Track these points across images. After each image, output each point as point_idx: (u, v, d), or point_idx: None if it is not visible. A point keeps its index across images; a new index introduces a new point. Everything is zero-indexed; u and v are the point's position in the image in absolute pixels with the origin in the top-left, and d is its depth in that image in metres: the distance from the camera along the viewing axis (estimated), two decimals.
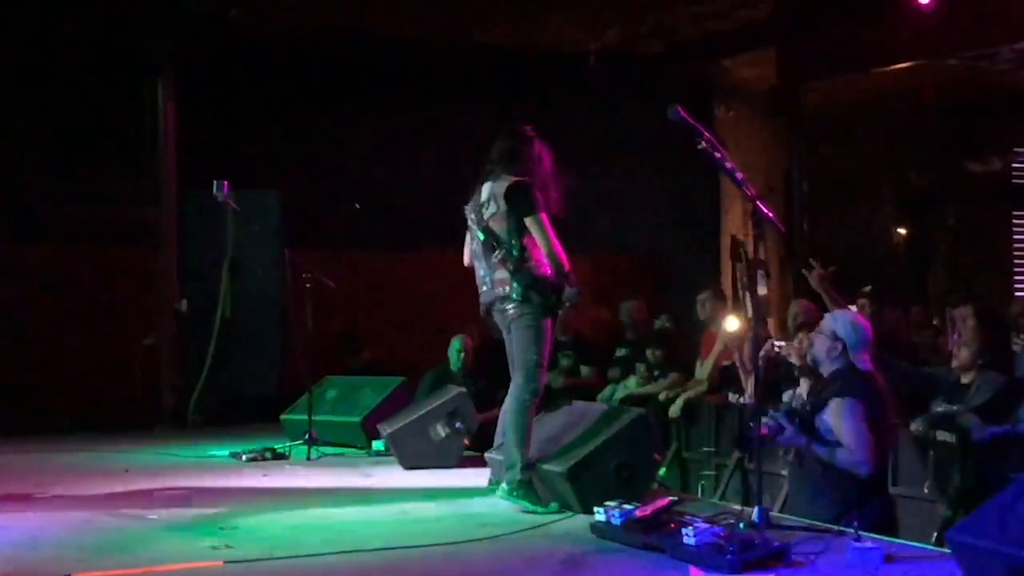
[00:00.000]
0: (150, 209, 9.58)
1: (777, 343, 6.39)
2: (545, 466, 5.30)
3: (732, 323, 7.17)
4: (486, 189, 5.38)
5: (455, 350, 8.57)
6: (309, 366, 7.51)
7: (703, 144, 4.60)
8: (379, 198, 10.18)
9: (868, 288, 7.76)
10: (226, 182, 7.43)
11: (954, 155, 13.63)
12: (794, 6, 10.96)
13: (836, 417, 5.03)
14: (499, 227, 5.28)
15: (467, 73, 10.80)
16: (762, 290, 12.72)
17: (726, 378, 7.92)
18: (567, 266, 5.29)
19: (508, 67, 11.14)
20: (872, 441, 4.94)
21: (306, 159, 10.15)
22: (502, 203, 5.27)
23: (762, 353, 6.14)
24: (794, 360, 5.73)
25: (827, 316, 5.45)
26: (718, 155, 4.60)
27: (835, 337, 5.23)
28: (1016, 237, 14.63)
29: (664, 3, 10.79)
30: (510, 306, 5.27)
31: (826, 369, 5.25)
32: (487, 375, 7.97)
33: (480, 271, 5.46)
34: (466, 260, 5.68)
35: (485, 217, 5.32)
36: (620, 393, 8.72)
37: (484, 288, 5.44)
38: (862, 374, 5.15)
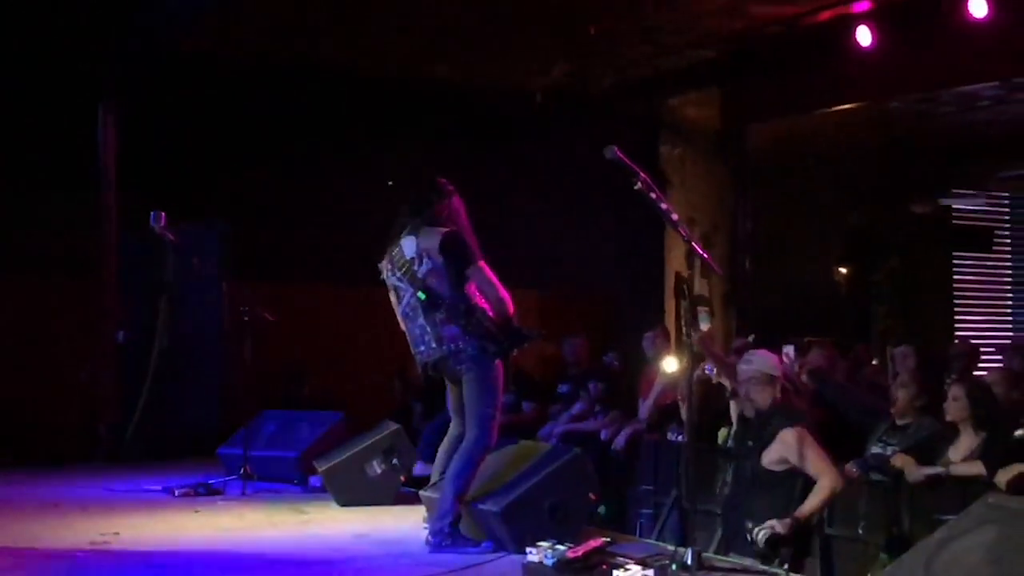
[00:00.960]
0: (89, 239, 9.44)
1: (708, 367, 6.43)
2: (480, 505, 5.26)
3: (670, 364, 7.19)
4: (409, 245, 5.28)
5: None
6: (246, 400, 7.43)
7: (639, 184, 4.61)
8: (324, 232, 10.11)
9: (751, 338, 7.86)
10: (163, 213, 7.35)
11: (897, 196, 13.82)
12: (738, 48, 11.08)
13: (794, 446, 5.08)
14: (438, 282, 5.22)
15: (415, 109, 10.80)
16: (705, 326, 12.83)
17: (666, 416, 7.93)
18: (511, 309, 5.27)
19: (456, 103, 11.16)
20: None
21: (251, 192, 10.07)
22: (437, 258, 5.22)
23: (695, 376, 6.19)
24: (726, 383, 5.77)
25: (745, 358, 5.53)
26: (653, 195, 4.62)
27: (771, 377, 5.33)
28: (956, 278, 14.86)
29: (611, 41, 10.86)
30: (464, 360, 5.22)
31: (760, 405, 5.32)
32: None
33: (415, 330, 5.32)
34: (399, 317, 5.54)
35: (420, 275, 5.25)
36: (560, 427, 8.66)
37: (423, 348, 5.31)
38: (795, 403, 5.25)
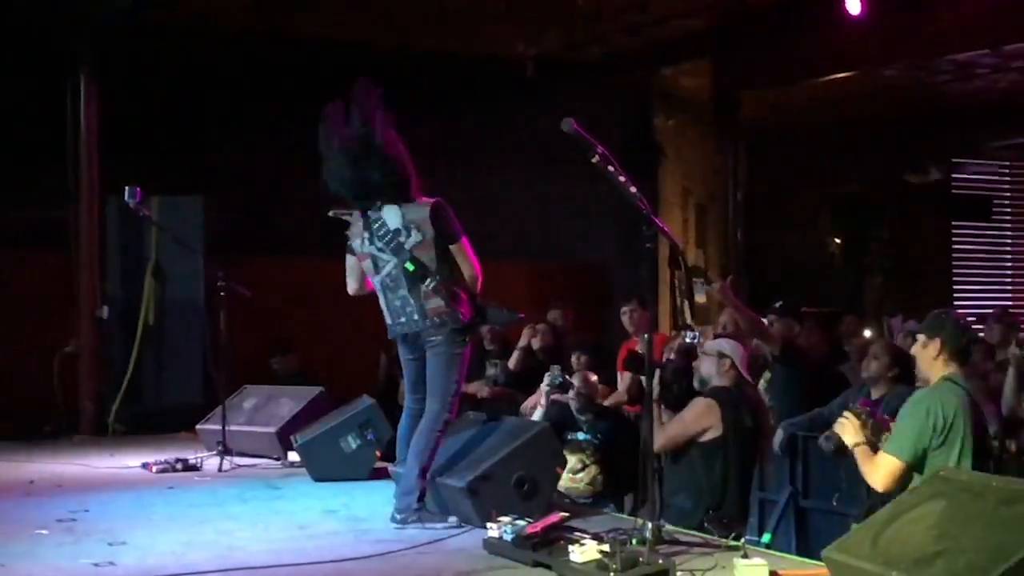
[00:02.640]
0: (71, 212, 9.42)
1: (691, 334, 6.48)
2: (445, 480, 5.24)
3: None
4: (393, 215, 5.23)
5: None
6: (225, 375, 7.42)
7: (596, 158, 4.55)
8: (308, 204, 10.05)
9: (778, 304, 7.78)
10: (138, 188, 7.32)
11: (892, 166, 13.74)
12: (730, 17, 10.99)
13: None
14: (426, 255, 5.20)
15: (399, 79, 10.69)
16: (700, 298, 12.81)
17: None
18: (480, 287, 5.29)
19: (443, 74, 11.10)
20: None
21: (233, 164, 10.04)
22: (429, 230, 5.19)
23: (676, 345, 6.30)
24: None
25: (709, 341, 5.89)
26: (611, 168, 4.56)
27: (722, 355, 5.59)
28: (956, 248, 14.80)
29: (601, 12, 10.79)
30: (442, 333, 5.20)
31: (703, 375, 5.69)
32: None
33: (396, 301, 5.28)
34: (352, 289, 5.53)
35: (408, 246, 5.22)
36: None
37: (404, 319, 5.28)
38: (749, 387, 5.35)
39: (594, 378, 7.07)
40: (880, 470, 4.45)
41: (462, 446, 5.48)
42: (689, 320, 12.17)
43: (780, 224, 13.09)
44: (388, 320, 5.39)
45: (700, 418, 5.63)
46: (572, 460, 6.56)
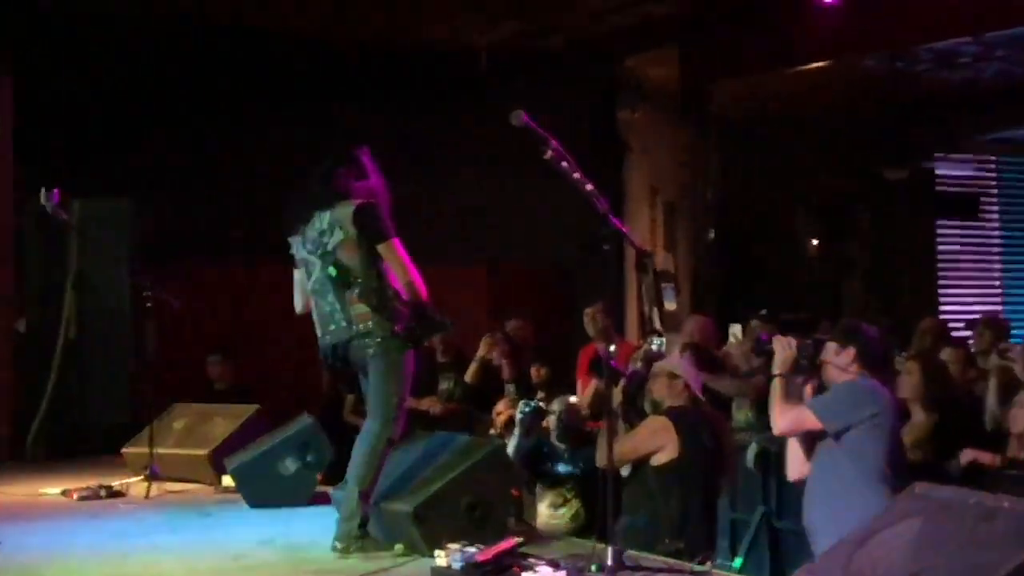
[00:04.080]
0: None
1: (656, 342, 6.52)
2: (390, 505, 5.21)
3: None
4: (323, 219, 5.26)
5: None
6: (154, 393, 7.36)
7: (549, 153, 4.56)
8: (244, 206, 10.04)
9: (763, 312, 7.84)
10: (56, 190, 7.24)
11: (871, 161, 13.84)
12: (700, 2, 11.04)
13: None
14: (351, 257, 5.18)
15: (343, 72, 10.70)
16: (670, 305, 12.86)
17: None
18: (425, 294, 5.24)
19: (390, 65, 11.07)
20: None
21: (165, 163, 9.97)
22: (351, 228, 5.19)
23: (641, 354, 6.34)
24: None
25: (658, 362, 5.96)
26: (565, 164, 4.57)
27: (673, 376, 5.73)
28: (941, 248, 14.90)
29: None
30: (372, 343, 5.17)
31: (655, 397, 5.78)
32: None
33: (325, 307, 5.27)
34: (299, 307, 5.50)
35: (331, 247, 5.22)
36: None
37: (333, 327, 5.26)
38: (705, 407, 5.56)
39: (575, 400, 7.08)
40: (792, 418, 4.94)
41: (408, 467, 5.45)
42: (658, 327, 12.21)
43: (754, 224, 13.15)
44: (318, 332, 5.38)
45: (654, 436, 5.66)
46: (551, 496, 6.56)
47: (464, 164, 11.97)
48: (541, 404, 6.96)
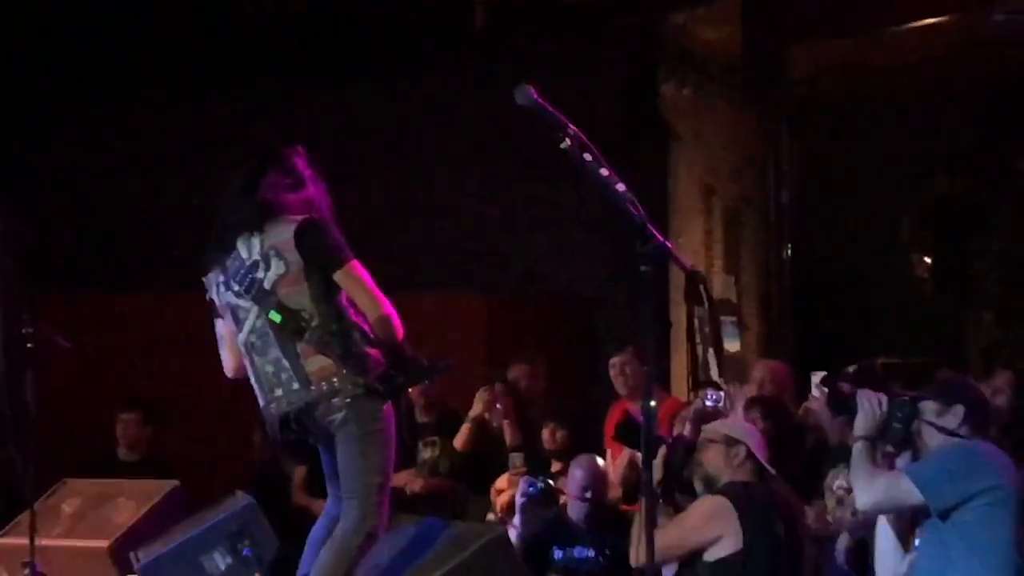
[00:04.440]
0: None
1: (712, 395, 6.55)
2: None
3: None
4: (251, 246, 5.26)
5: None
6: (34, 463, 7.36)
7: (567, 142, 4.58)
8: (149, 223, 10.12)
9: (853, 369, 7.87)
10: None
11: (1003, 152, 13.87)
12: None
13: None
14: (298, 295, 5.19)
15: (299, 39, 10.77)
16: (732, 345, 12.89)
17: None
18: (399, 329, 5.26)
19: (361, 32, 11.15)
20: None
21: (51, 166, 10.08)
22: (294, 256, 5.21)
23: (691, 413, 6.38)
24: None
25: (714, 423, 6.01)
26: (588, 157, 4.58)
27: (731, 441, 5.72)
28: None
29: None
30: (340, 406, 5.18)
31: (710, 472, 5.73)
32: None
33: (267, 367, 5.27)
34: (231, 369, 5.51)
35: (268, 285, 5.23)
36: None
37: (281, 392, 5.26)
38: (776, 483, 5.69)
39: (602, 463, 7.11)
40: (884, 489, 4.93)
41: (389, 562, 5.52)
42: (716, 375, 12.27)
43: (843, 237, 13.18)
44: (261, 400, 5.36)
45: (709, 523, 5.63)
46: None
47: (453, 158, 12.03)
48: (551, 482, 6.96)
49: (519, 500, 6.80)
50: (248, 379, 5.42)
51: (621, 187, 4.69)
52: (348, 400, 5.16)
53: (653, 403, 6.96)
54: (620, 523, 6.96)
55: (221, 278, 5.34)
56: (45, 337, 7.27)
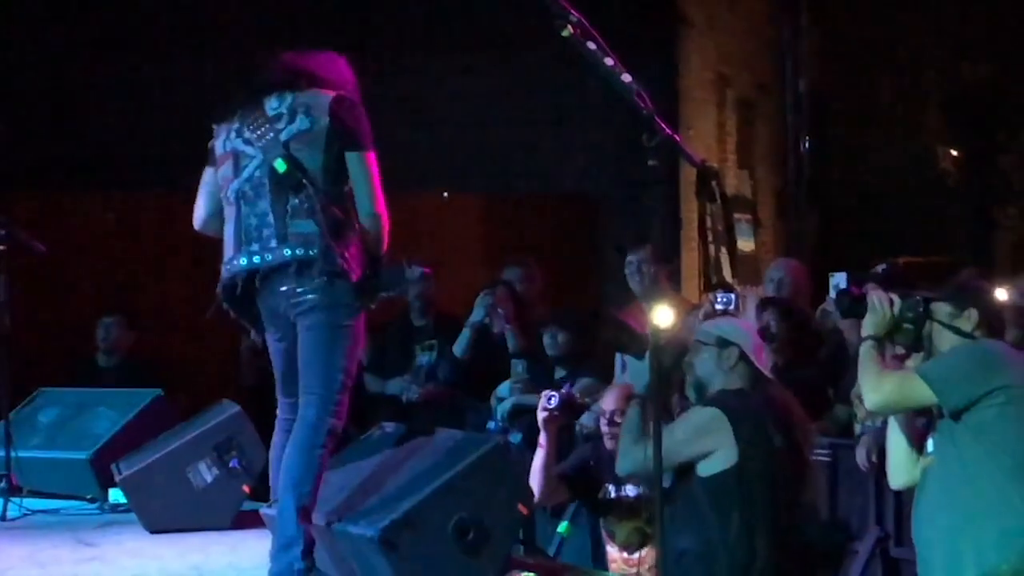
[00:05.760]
0: None
1: (723, 298, 6.48)
2: (348, 527, 5.29)
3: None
4: (282, 99, 5.29)
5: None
6: (9, 373, 7.42)
7: (569, 29, 4.58)
8: (129, 119, 10.10)
9: (882, 268, 7.85)
10: None
11: None
12: None
13: None
14: (310, 155, 5.20)
15: None
16: (747, 244, 12.93)
17: None
18: (387, 234, 5.28)
19: None
20: None
21: (19, 73, 10.07)
22: (321, 119, 5.24)
23: (700, 315, 6.34)
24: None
25: (707, 323, 5.89)
26: (591, 45, 4.59)
27: (724, 343, 5.64)
28: None
29: None
30: (313, 283, 5.19)
31: (715, 388, 5.64)
32: None
33: (251, 218, 5.26)
34: (201, 217, 5.53)
35: (284, 136, 5.25)
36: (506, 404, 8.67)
37: (254, 247, 5.23)
38: (774, 388, 5.64)
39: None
40: (894, 388, 4.98)
41: (371, 475, 5.51)
42: (729, 276, 12.32)
43: (865, 129, 13.17)
44: (227, 252, 5.32)
45: (700, 436, 5.56)
46: (624, 531, 6.47)
47: (449, 48, 11.99)
48: (572, 393, 6.83)
49: (540, 415, 6.62)
50: (216, 239, 5.43)
51: (627, 77, 4.71)
52: (324, 279, 5.14)
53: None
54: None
55: (232, 127, 5.37)
56: (19, 239, 7.32)
